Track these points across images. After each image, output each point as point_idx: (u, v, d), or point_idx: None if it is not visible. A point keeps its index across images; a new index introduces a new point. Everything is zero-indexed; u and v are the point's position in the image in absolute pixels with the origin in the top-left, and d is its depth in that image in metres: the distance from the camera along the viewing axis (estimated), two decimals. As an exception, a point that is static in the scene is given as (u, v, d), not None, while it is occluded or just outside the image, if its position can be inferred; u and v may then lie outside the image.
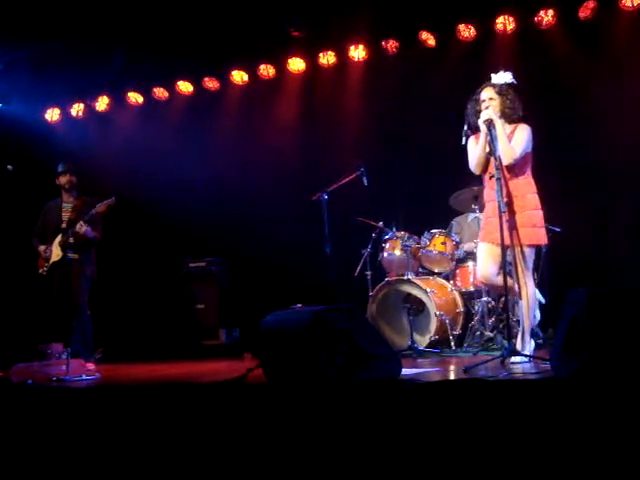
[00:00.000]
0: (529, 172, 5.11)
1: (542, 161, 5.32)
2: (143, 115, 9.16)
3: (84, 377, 5.82)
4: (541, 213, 5.07)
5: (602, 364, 3.30)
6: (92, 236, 6.72)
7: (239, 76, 8.81)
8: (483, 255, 5.17)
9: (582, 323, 3.46)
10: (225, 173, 8.54)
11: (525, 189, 5.05)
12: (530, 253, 5.03)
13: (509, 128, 5.08)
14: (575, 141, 7.39)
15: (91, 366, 6.29)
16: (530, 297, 5.02)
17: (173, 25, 7.89)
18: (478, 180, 5.52)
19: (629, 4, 7.34)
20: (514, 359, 4.76)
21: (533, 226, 5.00)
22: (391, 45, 8.18)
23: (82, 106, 9.33)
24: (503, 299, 5.07)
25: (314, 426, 3.39)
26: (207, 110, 8.92)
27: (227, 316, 8.43)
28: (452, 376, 4.74)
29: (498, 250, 4.92)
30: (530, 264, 5.04)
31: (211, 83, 8.91)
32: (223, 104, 8.96)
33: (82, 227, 6.62)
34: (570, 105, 7.50)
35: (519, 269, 4.95)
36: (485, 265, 5.14)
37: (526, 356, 4.82)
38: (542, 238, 5.10)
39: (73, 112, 9.36)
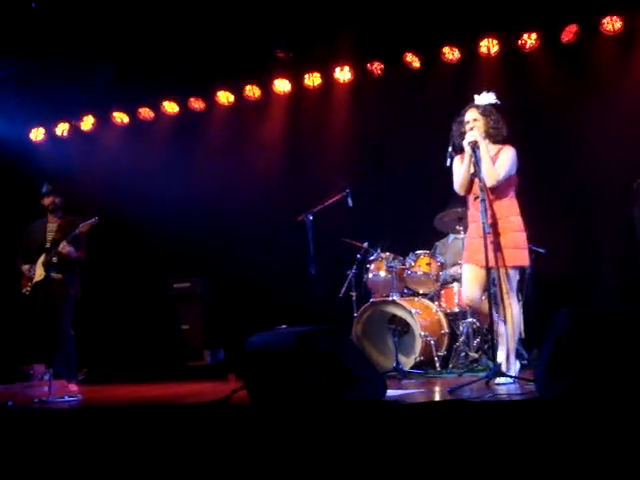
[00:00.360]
0: (513, 194, 5.14)
1: (526, 182, 5.35)
2: (129, 135, 9.16)
3: (67, 398, 5.76)
4: (524, 235, 5.10)
5: (586, 386, 3.30)
6: (75, 256, 6.69)
7: (225, 97, 8.84)
8: (468, 277, 5.18)
9: (566, 344, 3.47)
10: (210, 193, 8.53)
11: (509, 211, 5.08)
12: (514, 274, 5.07)
13: (494, 149, 5.11)
14: (558, 162, 7.46)
15: (74, 387, 6.23)
16: (514, 318, 5.04)
17: (159, 45, 7.92)
18: (463, 201, 5.54)
19: (610, 28, 7.44)
20: (499, 380, 4.76)
21: (516, 247, 5.03)
22: (376, 67, 8.24)
23: (67, 126, 9.32)
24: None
25: (299, 447, 3.37)
26: (193, 130, 8.94)
27: (212, 337, 8.39)
28: (437, 397, 4.73)
29: (482, 272, 4.96)
30: (514, 285, 5.07)
31: (197, 103, 8.94)
32: (209, 124, 8.97)
33: (65, 247, 6.59)
34: (553, 127, 7.57)
35: (503, 290, 4.97)
36: (470, 287, 5.15)
37: (511, 377, 4.81)
38: (525, 260, 5.13)
39: (58, 132, 9.35)
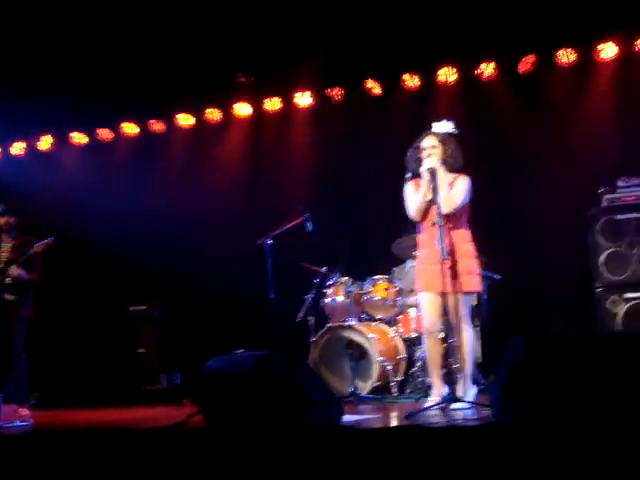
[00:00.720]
0: (466, 222, 5.24)
1: (483, 210, 5.43)
2: (87, 155, 9.08)
3: (17, 423, 5.64)
4: (477, 261, 5.21)
5: (541, 410, 3.34)
6: (27, 278, 6.57)
7: (185, 119, 8.83)
8: (425, 305, 5.24)
9: (521, 370, 3.50)
10: (169, 215, 8.49)
11: (463, 238, 5.18)
12: (468, 300, 5.18)
13: (450, 177, 5.18)
14: (514, 190, 7.58)
15: (25, 411, 6.10)
16: (469, 343, 5.11)
17: (120, 66, 7.89)
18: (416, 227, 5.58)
19: (565, 60, 7.62)
20: (456, 405, 4.79)
21: (470, 274, 5.13)
22: (337, 92, 8.31)
23: (24, 145, 9.20)
24: (445, 345, 5.14)
25: (254, 472, 3.34)
26: (153, 152, 8.90)
27: (168, 361, 8.30)
28: (394, 423, 4.74)
29: (439, 298, 5.01)
30: (468, 311, 5.14)
31: (157, 125, 8.91)
32: (169, 146, 8.94)
33: (15, 270, 6.47)
34: (510, 155, 7.69)
35: (458, 316, 5.01)
36: (429, 314, 5.21)
37: (467, 402, 4.85)
38: (478, 285, 5.26)
39: (13, 151, 9.22)
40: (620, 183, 6.88)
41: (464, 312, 5.07)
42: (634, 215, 6.66)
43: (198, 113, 8.79)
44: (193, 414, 4.37)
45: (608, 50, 7.52)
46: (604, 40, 7.49)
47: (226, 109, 8.71)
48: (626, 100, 7.47)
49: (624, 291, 6.69)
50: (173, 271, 8.45)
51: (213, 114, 8.74)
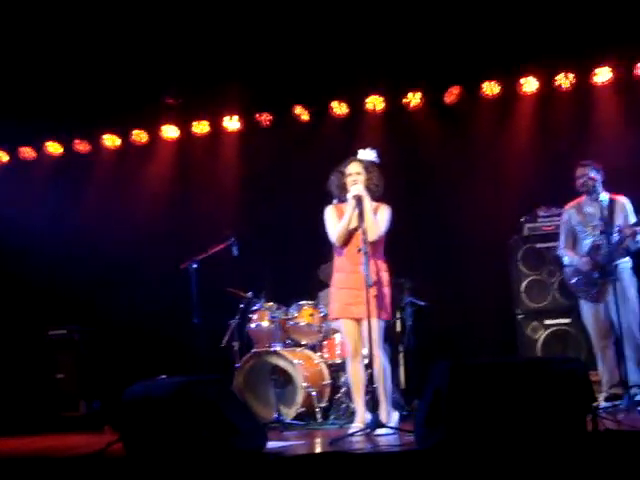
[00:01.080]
0: (382, 251, 5.31)
1: (408, 237, 5.51)
2: (8, 174, 8.83)
3: None
4: (390, 290, 5.31)
5: (463, 435, 3.37)
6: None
7: (111, 140, 8.70)
8: (346, 331, 5.30)
9: (444, 395, 3.54)
10: (92, 237, 8.32)
11: (381, 266, 5.28)
12: (383, 326, 5.25)
13: (373, 205, 5.24)
14: (439, 219, 7.71)
15: None
16: (386, 369, 5.17)
17: (45, 85, 7.73)
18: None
19: (489, 92, 7.83)
20: (379, 431, 4.80)
21: (386, 301, 5.23)
22: (265, 118, 8.33)
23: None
24: (369, 371, 5.17)
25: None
26: (77, 172, 8.71)
27: (88, 386, 8.09)
28: (318, 449, 4.72)
29: (356, 324, 5.11)
30: (382, 337, 5.21)
31: (82, 146, 8.74)
32: (94, 168, 8.78)
33: None
34: (435, 184, 7.84)
35: (374, 342, 5.02)
36: (350, 340, 5.28)
37: (391, 428, 4.87)
38: (391, 313, 5.41)
39: None
40: (540, 212, 7.07)
41: (379, 338, 5.13)
42: (553, 244, 6.84)
43: (125, 134, 8.67)
44: (113, 442, 4.26)
45: (530, 84, 7.76)
46: (526, 74, 7.73)
47: (153, 131, 8.62)
48: (546, 133, 7.72)
49: (544, 318, 6.86)
50: (95, 294, 8.26)
51: (140, 136, 8.64)
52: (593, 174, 6.01)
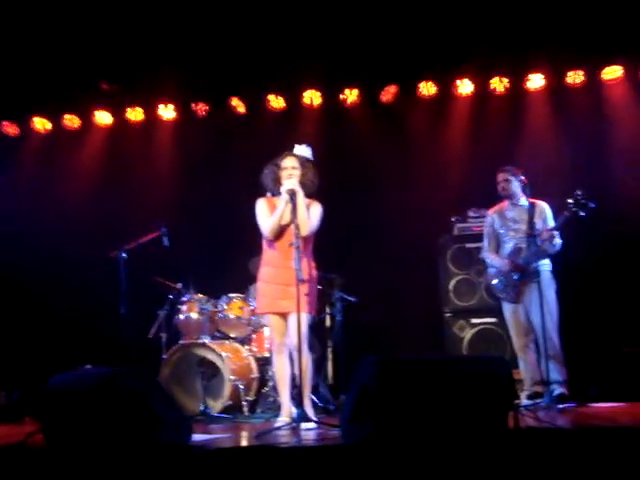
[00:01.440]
0: (311, 248, 5.34)
1: (339, 233, 5.53)
2: None
3: None
4: (316, 286, 5.35)
5: (388, 431, 3.40)
6: None
7: (41, 124, 8.48)
8: (273, 325, 5.31)
9: (371, 391, 3.56)
10: (16, 222, 8.09)
11: (310, 262, 5.29)
12: (308, 321, 5.25)
13: (306, 201, 5.24)
14: (371, 215, 7.77)
15: None
16: (309, 363, 5.20)
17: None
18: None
19: (425, 92, 7.92)
20: (306, 425, 4.81)
21: (313, 296, 5.24)
22: (201, 108, 8.25)
23: None
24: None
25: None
26: (4, 155, 8.46)
27: (7, 376, 7.87)
28: (244, 442, 4.69)
29: (283, 318, 5.14)
30: (307, 331, 5.21)
31: (10, 128, 8.50)
32: (23, 150, 8.55)
33: None
34: (369, 180, 7.89)
35: (301, 336, 5.03)
36: (277, 334, 5.27)
37: (317, 422, 4.88)
38: (316, 309, 5.42)
39: None
40: (471, 213, 7.21)
41: (305, 333, 5.14)
42: (482, 244, 6.97)
43: (56, 118, 8.47)
44: (34, 433, 4.16)
45: (466, 86, 7.88)
46: (462, 76, 7.85)
47: (86, 116, 8.44)
48: (480, 135, 7.85)
49: (471, 317, 6.99)
50: (17, 279, 8.03)
51: (72, 120, 8.45)
52: (512, 179, 6.18)
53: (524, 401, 5.82)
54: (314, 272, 5.31)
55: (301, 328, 4.91)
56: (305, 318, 5.10)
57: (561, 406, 5.52)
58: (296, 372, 4.99)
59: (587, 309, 6.99)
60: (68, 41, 7.37)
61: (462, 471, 3.06)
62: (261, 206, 5.33)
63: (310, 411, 5.11)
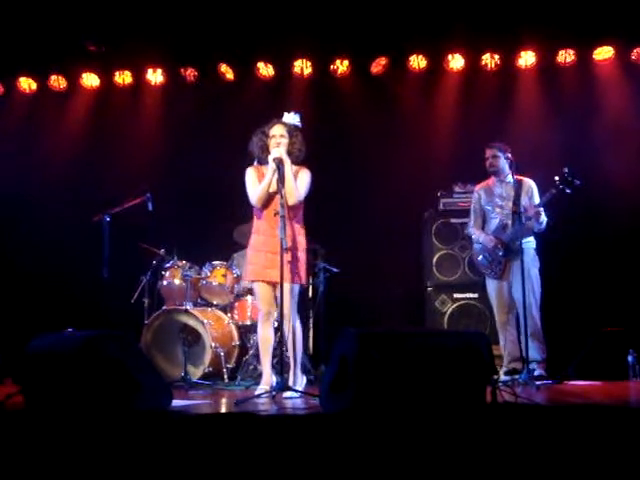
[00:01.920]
0: (302, 215, 5.31)
1: (325, 203, 5.52)
2: None
3: None
4: (305, 255, 5.33)
5: (367, 402, 3.43)
6: None
7: (27, 83, 8.37)
8: (259, 293, 5.29)
9: (350, 362, 3.59)
10: (1, 181, 8.01)
11: (298, 231, 5.27)
12: (298, 290, 5.28)
13: (293, 169, 5.23)
14: (358, 186, 7.76)
15: None
16: (299, 332, 5.20)
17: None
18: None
19: (416, 66, 7.89)
20: (286, 394, 4.84)
21: (301, 266, 5.24)
22: (190, 73, 8.17)
23: None
24: (279, 334, 5.21)
25: (76, 456, 3.23)
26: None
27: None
28: (223, 409, 4.72)
29: (271, 287, 5.10)
30: (296, 301, 5.24)
31: (-5, 87, 8.40)
32: (7, 110, 8.44)
33: None
34: (357, 151, 7.87)
35: (288, 306, 5.06)
36: (263, 303, 5.26)
37: (297, 391, 4.91)
38: (306, 278, 5.41)
39: None
40: (456, 188, 7.22)
41: (294, 302, 5.16)
42: (467, 220, 6.98)
43: (42, 79, 8.35)
44: (13, 394, 4.16)
45: (457, 61, 7.85)
46: (453, 51, 7.81)
47: (73, 78, 8.34)
48: (469, 110, 7.84)
49: (453, 292, 7.03)
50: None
51: (58, 81, 8.35)
52: (500, 155, 6.18)
53: (502, 377, 5.88)
54: (302, 240, 5.29)
55: (286, 297, 4.93)
56: (292, 288, 5.12)
57: (538, 383, 5.58)
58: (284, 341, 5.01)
59: (567, 288, 7.04)
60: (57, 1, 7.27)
61: (439, 443, 3.10)
62: (250, 175, 5.32)
63: (297, 380, 5.14)
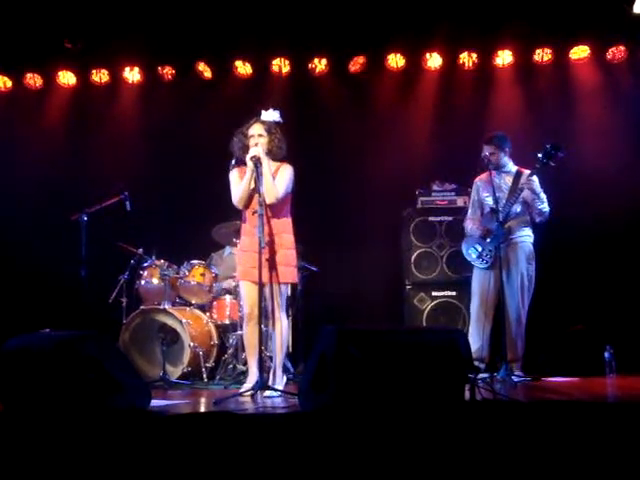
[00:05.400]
0: (288, 212, 5.32)
1: (303, 201, 5.52)
2: None
3: None
4: (295, 252, 5.30)
5: (346, 399, 3.44)
6: None
7: (1, 81, 8.27)
8: (245, 294, 5.28)
9: (329, 359, 3.59)
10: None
11: (283, 228, 5.25)
12: (285, 290, 5.28)
13: (273, 166, 5.23)
14: (337, 185, 7.76)
15: None
16: (284, 332, 5.19)
17: None
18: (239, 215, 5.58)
19: (394, 64, 7.90)
20: (266, 393, 4.84)
21: (288, 265, 5.23)
22: (167, 72, 8.13)
23: None
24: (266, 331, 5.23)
25: (53, 455, 3.21)
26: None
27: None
28: (202, 409, 4.71)
29: (256, 287, 5.03)
30: (284, 301, 5.23)
31: (-32, 85, 8.29)
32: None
33: None
34: (335, 150, 7.87)
35: (275, 305, 5.08)
36: (247, 302, 5.25)
37: (276, 390, 4.91)
38: (295, 276, 5.39)
39: None
40: (434, 186, 7.24)
41: (280, 302, 5.15)
42: (445, 218, 7.04)
43: (17, 76, 8.27)
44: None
45: (435, 60, 7.87)
46: (431, 50, 7.83)
47: (49, 76, 8.26)
48: (447, 109, 7.87)
49: (431, 289, 7.04)
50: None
51: (34, 79, 8.26)
52: (497, 151, 6.15)
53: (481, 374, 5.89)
54: (288, 237, 5.26)
55: (269, 295, 4.95)
56: (278, 287, 5.13)
57: (516, 380, 5.61)
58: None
59: (543, 285, 7.07)
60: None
61: (419, 441, 3.11)
62: (233, 176, 5.31)
63: (276, 379, 5.14)
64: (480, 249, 6.16)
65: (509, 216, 5.98)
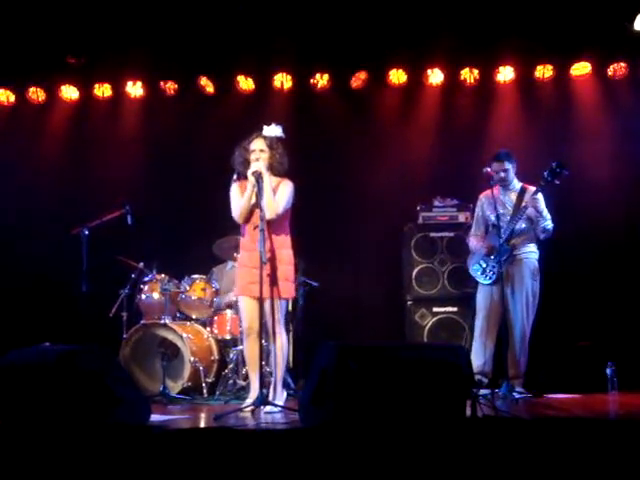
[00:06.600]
0: (287, 228, 5.31)
1: (304, 216, 5.53)
2: None
3: None
4: (293, 268, 5.30)
5: (347, 415, 3.42)
6: None
7: (5, 96, 8.30)
8: (244, 308, 5.27)
9: (330, 375, 3.58)
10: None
11: (282, 244, 5.24)
12: (283, 305, 5.26)
13: (274, 182, 5.23)
14: (338, 200, 7.77)
15: None
16: (283, 348, 5.18)
17: None
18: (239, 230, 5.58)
19: (395, 80, 7.92)
20: (266, 409, 4.82)
21: (287, 280, 5.21)
22: (170, 86, 8.15)
23: None
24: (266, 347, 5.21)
25: (51, 470, 3.19)
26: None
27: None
28: (202, 424, 4.69)
29: (256, 302, 5.02)
30: (283, 316, 5.21)
31: (-27, 100, 8.32)
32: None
33: None
34: (336, 166, 7.87)
35: (275, 320, 5.07)
36: (247, 317, 5.23)
37: (277, 406, 4.89)
38: (292, 292, 5.39)
39: None
40: (436, 202, 7.24)
41: (279, 317, 5.14)
42: (446, 234, 7.04)
43: (20, 91, 8.29)
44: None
45: (436, 75, 7.89)
46: (433, 66, 7.86)
47: (52, 90, 8.28)
48: (448, 124, 7.89)
49: (432, 305, 7.03)
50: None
51: (37, 94, 8.29)
52: (510, 167, 6.14)
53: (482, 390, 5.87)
54: (287, 253, 5.25)
55: (269, 312, 4.97)
56: (277, 302, 5.11)
57: (518, 396, 5.59)
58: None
59: (545, 301, 7.06)
60: (37, 12, 7.22)
61: (419, 457, 3.09)
62: (234, 191, 5.31)
63: (276, 395, 5.12)
64: (484, 265, 6.14)
65: (514, 233, 5.98)
